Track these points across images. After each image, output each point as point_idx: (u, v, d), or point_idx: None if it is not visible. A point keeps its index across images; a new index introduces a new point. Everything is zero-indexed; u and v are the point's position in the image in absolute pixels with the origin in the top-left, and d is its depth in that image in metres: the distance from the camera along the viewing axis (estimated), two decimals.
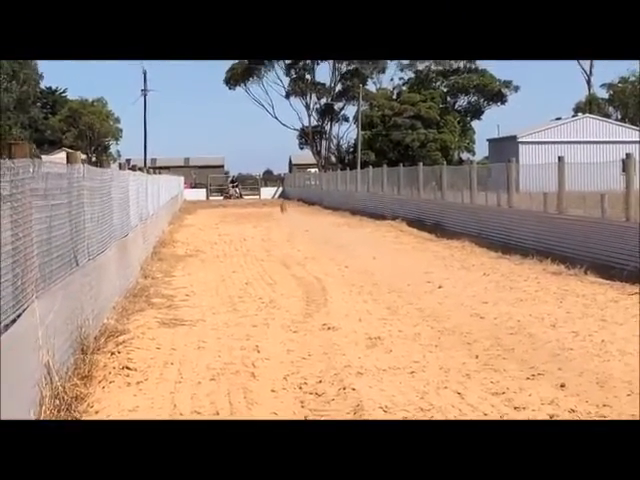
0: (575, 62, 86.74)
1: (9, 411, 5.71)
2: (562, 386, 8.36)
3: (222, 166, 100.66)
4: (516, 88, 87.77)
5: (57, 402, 7.16)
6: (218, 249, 24.85)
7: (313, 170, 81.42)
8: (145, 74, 79.16)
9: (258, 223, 37.22)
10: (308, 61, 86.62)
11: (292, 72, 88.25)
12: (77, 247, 9.69)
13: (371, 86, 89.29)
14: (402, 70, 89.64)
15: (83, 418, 7.25)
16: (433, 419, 7.25)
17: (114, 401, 7.84)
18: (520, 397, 7.95)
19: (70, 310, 8.76)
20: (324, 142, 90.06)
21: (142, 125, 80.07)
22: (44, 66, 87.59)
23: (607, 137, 65.95)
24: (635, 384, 8.29)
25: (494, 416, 7.36)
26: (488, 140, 79.84)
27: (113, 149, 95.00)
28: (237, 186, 79.86)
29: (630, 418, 7.20)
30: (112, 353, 9.68)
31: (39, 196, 7.69)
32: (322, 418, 7.40)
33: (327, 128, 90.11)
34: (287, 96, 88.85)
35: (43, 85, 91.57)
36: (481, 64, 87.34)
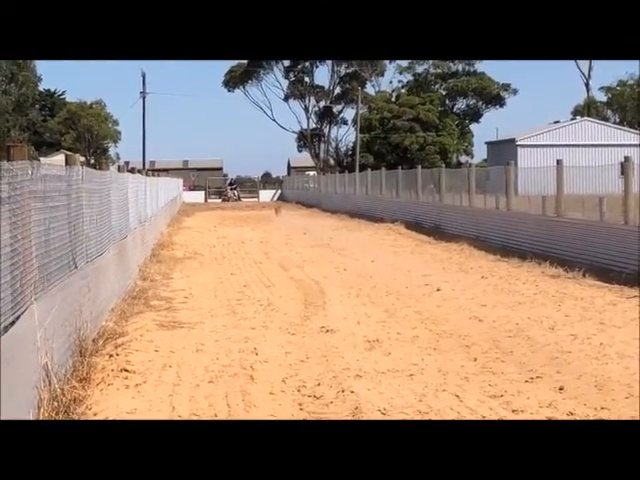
0: (574, 65, 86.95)
1: (7, 413, 5.70)
2: (560, 389, 8.36)
3: (221, 168, 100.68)
4: (515, 91, 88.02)
5: (55, 404, 7.15)
6: (216, 251, 24.86)
7: (312, 173, 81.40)
8: (144, 76, 79.14)
9: (256, 226, 37.24)
10: (307, 64, 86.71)
11: (291, 75, 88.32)
12: (76, 249, 9.69)
13: (370, 89, 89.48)
14: (401, 73, 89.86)
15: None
16: (431, 419, 7.24)
17: (112, 403, 7.83)
18: (518, 400, 7.95)
19: (68, 312, 8.75)
20: (323, 145, 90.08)
21: (141, 127, 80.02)
22: (43, 68, 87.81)
23: (605, 140, 65.96)
24: (634, 387, 8.29)
25: (492, 419, 7.36)
26: (487, 143, 79.87)
27: (112, 151, 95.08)
28: (235, 189, 79.86)
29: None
30: (110, 355, 9.67)
31: (38, 198, 7.69)
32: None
33: (326, 131, 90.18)
34: (286, 99, 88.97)
35: (42, 87, 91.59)
36: (480, 67, 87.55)
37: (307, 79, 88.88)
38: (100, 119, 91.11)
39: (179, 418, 7.36)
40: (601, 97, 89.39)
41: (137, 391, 8.37)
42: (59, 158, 48.62)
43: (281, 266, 20.19)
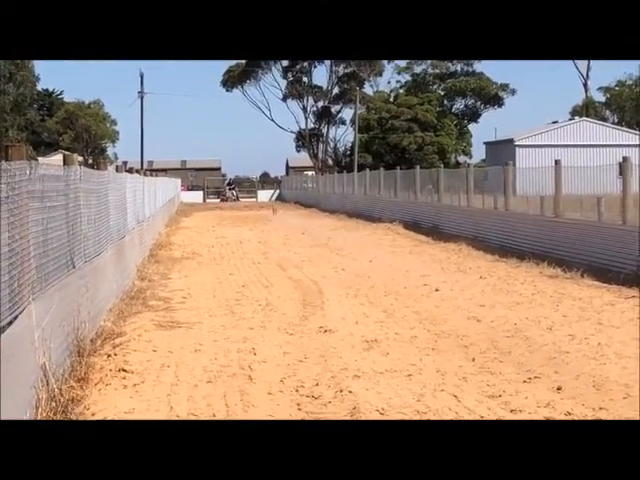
0: (572, 65, 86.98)
1: (5, 413, 5.70)
2: (558, 389, 8.36)
3: (219, 168, 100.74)
4: (513, 91, 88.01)
5: (53, 404, 7.15)
6: (215, 251, 24.85)
7: (310, 173, 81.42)
8: (142, 76, 79.14)
9: (255, 226, 37.24)
10: (305, 64, 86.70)
11: (289, 75, 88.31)
12: (74, 249, 9.68)
13: (368, 89, 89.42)
14: (399, 73, 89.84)
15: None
16: (430, 420, 7.24)
17: (110, 403, 7.83)
18: (516, 400, 7.95)
19: (66, 312, 8.75)
20: (321, 145, 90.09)
21: (139, 127, 79.99)
22: (41, 68, 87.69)
23: (604, 140, 65.94)
24: (632, 387, 8.29)
25: (490, 419, 7.36)
26: (485, 143, 79.87)
27: (110, 151, 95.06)
28: (234, 189, 79.84)
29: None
30: (108, 355, 9.67)
31: (36, 198, 7.69)
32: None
33: (324, 131, 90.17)
34: (284, 99, 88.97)
35: (40, 87, 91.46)
36: (478, 67, 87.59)
37: (305, 79, 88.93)
38: (98, 119, 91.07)
39: (177, 418, 7.36)
40: (599, 97, 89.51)
41: (135, 391, 8.37)
42: (57, 158, 48.62)
43: (279, 266, 20.19)
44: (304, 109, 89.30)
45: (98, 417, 7.36)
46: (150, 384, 8.62)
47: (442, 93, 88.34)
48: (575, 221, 19.42)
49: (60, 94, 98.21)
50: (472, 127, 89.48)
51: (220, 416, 7.46)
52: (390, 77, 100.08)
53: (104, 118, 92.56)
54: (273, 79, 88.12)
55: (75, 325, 9.04)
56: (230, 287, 16.58)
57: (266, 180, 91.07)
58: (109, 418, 7.32)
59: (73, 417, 7.24)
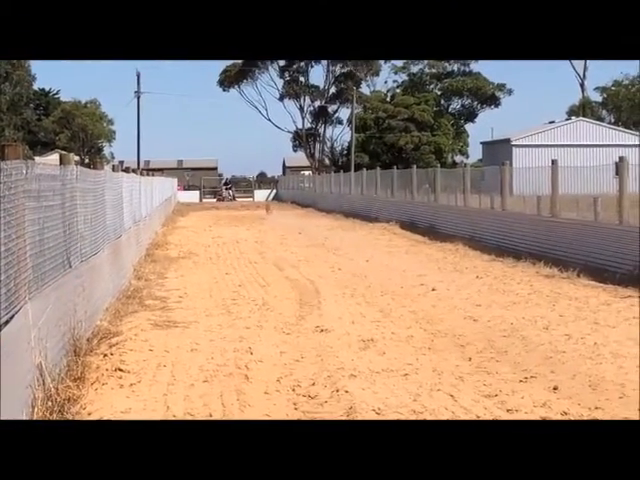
0: (569, 65, 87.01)
1: (1, 412, 5.70)
2: (555, 389, 8.37)
3: (215, 168, 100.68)
4: (510, 91, 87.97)
5: (49, 404, 7.15)
6: (211, 251, 24.84)
7: (307, 172, 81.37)
8: (139, 76, 78.96)
9: (251, 225, 37.23)
10: (302, 63, 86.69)
11: (286, 74, 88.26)
12: (70, 249, 9.68)
13: (365, 89, 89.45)
14: (396, 73, 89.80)
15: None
16: (426, 419, 7.25)
17: (107, 403, 7.83)
18: (513, 400, 7.96)
19: (63, 312, 8.75)
20: (318, 145, 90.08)
21: (136, 127, 79.89)
22: (37, 67, 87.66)
23: (600, 140, 66.00)
24: (627, 387, 8.31)
25: (487, 419, 7.37)
26: (482, 143, 79.86)
27: (106, 151, 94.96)
28: (230, 188, 79.79)
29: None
30: (105, 355, 9.67)
31: (32, 197, 7.68)
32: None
33: (321, 131, 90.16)
34: (281, 98, 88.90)
35: (36, 86, 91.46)
36: (475, 67, 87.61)
37: (302, 79, 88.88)
38: (95, 118, 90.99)
39: (173, 418, 7.36)
40: (596, 97, 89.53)
41: (131, 390, 8.37)
42: (53, 157, 48.49)
43: (276, 266, 20.19)
44: (301, 109, 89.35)
45: (94, 416, 7.36)
46: (146, 383, 8.61)
47: (439, 93, 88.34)
48: (572, 221, 19.44)
49: (56, 93, 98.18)
50: (469, 127, 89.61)
51: (216, 415, 7.46)
52: (387, 77, 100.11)
53: (101, 117, 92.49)
54: (270, 79, 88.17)
55: (71, 324, 9.04)
56: (227, 286, 16.58)
57: (263, 180, 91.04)
58: (105, 418, 7.32)
59: (69, 416, 7.23)
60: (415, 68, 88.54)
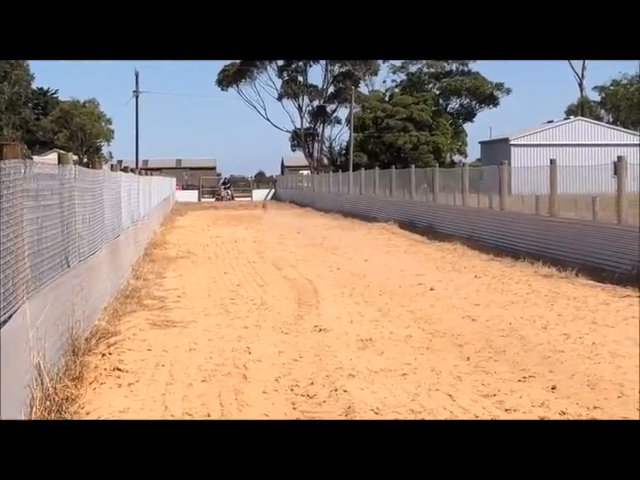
0: (567, 65, 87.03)
1: (0, 412, 5.70)
2: (553, 388, 8.37)
3: (214, 168, 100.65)
4: (508, 90, 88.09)
5: (48, 403, 7.15)
6: (210, 251, 24.84)
7: (305, 172, 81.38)
8: (137, 75, 78.98)
9: (250, 225, 37.23)
10: (300, 63, 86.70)
11: (284, 74, 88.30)
12: (68, 248, 9.68)
13: (363, 88, 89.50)
14: (394, 72, 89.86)
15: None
16: (424, 419, 7.25)
17: (105, 402, 7.83)
18: (511, 399, 7.96)
19: (61, 311, 8.74)
20: (316, 144, 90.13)
21: (134, 126, 79.87)
22: (35, 67, 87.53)
23: (599, 140, 66.08)
24: (626, 386, 8.31)
25: (485, 418, 7.37)
26: (480, 142, 79.97)
27: (105, 150, 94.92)
28: (229, 188, 79.78)
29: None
30: (103, 354, 9.66)
31: (30, 197, 7.68)
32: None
33: (319, 130, 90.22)
34: (279, 98, 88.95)
35: (34, 86, 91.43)
36: (474, 67, 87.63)
37: (301, 78, 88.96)
38: (93, 118, 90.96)
39: (172, 417, 7.36)
40: (595, 97, 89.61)
41: (130, 390, 8.36)
42: (52, 157, 48.54)
43: (274, 265, 20.18)
44: (299, 108, 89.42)
45: (92, 416, 7.36)
46: (145, 383, 8.61)
47: (437, 92, 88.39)
48: (570, 220, 19.44)
49: (55, 93, 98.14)
50: (467, 126, 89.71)
51: (215, 415, 7.46)
52: (385, 76, 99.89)
53: (99, 117, 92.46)
54: (268, 78, 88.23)
55: (70, 324, 9.04)
56: (225, 286, 16.57)
57: (261, 179, 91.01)
58: (103, 417, 7.31)
59: (67, 416, 7.23)
60: (414, 68, 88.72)
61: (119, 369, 9.06)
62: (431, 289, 15.46)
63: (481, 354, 10.02)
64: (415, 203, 33.24)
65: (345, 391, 8.25)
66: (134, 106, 79.04)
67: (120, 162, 35.55)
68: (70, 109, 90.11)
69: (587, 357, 9.75)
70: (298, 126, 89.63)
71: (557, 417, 7.36)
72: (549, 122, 72.69)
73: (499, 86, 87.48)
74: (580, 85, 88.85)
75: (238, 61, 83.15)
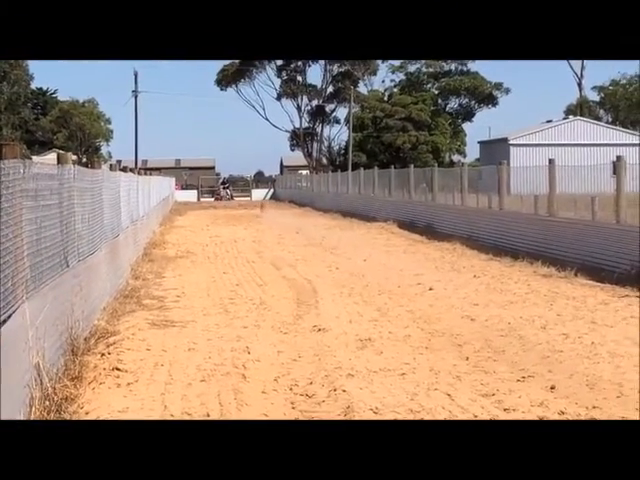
0: (566, 64, 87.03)
1: None
2: (552, 388, 8.37)
3: (213, 167, 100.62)
4: (507, 90, 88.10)
5: (47, 403, 7.15)
6: (209, 250, 24.84)
7: (304, 172, 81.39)
8: (136, 75, 79.01)
9: (249, 225, 37.23)
10: (299, 63, 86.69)
11: (283, 74, 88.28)
12: (67, 248, 9.68)
13: (362, 88, 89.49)
14: (393, 72, 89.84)
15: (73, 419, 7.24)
16: (423, 419, 7.25)
17: (104, 402, 7.83)
18: (510, 399, 7.96)
19: (60, 311, 8.74)
20: (315, 144, 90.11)
21: (133, 126, 79.86)
22: (34, 67, 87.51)
23: (598, 140, 66.09)
24: (625, 386, 8.31)
25: (484, 418, 7.37)
26: (479, 142, 79.96)
27: (104, 150, 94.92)
28: (228, 187, 79.80)
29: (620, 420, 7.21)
30: (102, 354, 9.66)
31: (29, 197, 7.68)
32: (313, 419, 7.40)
33: (318, 130, 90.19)
34: (278, 98, 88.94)
35: (34, 86, 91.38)
36: (472, 66, 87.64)
37: (300, 78, 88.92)
38: (92, 118, 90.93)
39: (171, 417, 7.36)
40: (594, 97, 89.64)
41: (129, 390, 8.36)
42: (51, 157, 48.57)
43: (273, 265, 20.18)
44: (298, 108, 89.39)
45: (92, 416, 7.36)
46: (144, 383, 8.61)
47: (436, 92, 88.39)
48: (569, 220, 19.44)
49: (54, 93, 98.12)
50: (466, 126, 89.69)
51: (214, 415, 7.46)
52: (384, 76, 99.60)
53: (98, 117, 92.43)
54: (267, 78, 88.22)
55: (69, 324, 9.04)
56: (224, 286, 16.57)
57: (260, 179, 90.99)
58: (103, 417, 7.31)
59: (67, 416, 7.23)
60: (412, 67, 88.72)
61: (118, 369, 9.06)
62: (430, 289, 15.46)
63: (480, 354, 10.02)
64: (414, 203, 33.24)
65: (344, 391, 8.25)
66: (133, 106, 79.16)
67: (119, 162, 35.55)
68: (69, 109, 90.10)
69: (586, 357, 9.76)
70: (297, 126, 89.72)
71: (556, 417, 7.36)
72: (548, 122, 72.69)
73: (498, 86, 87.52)
74: (579, 85, 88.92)
75: (237, 61, 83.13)
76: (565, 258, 17.88)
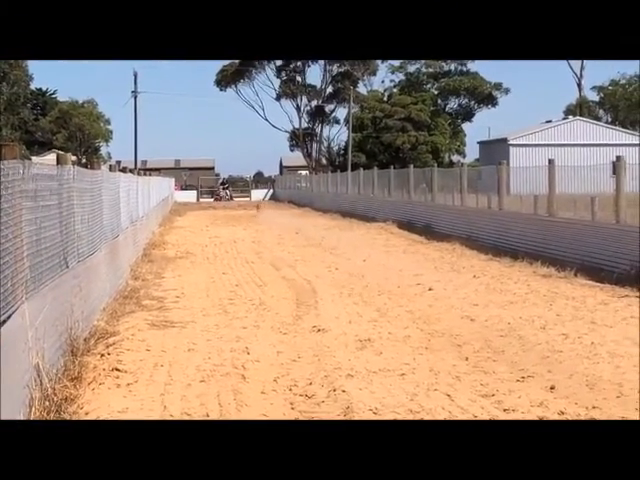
0: (566, 64, 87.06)
1: None
2: (552, 388, 8.37)
3: (213, 168, 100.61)
4: (507, 90, 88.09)
5: (47, 404, 7.14)
6: (208, 251, 24.83)
7: (304, 172, 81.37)
8: (136, 76, 79.01)
9: (248, 225, 37.23)
10: (299, 63, 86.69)
11: (283, 74, 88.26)
12: (67, 248, 9.67)
13: (362, 88, 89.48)
14: (393, 72, 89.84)
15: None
16: (423, 419, 7.25)
17: (104, 403, 7.82)
18: (510, 399, 7.96)
19: (60, 312, 8.74)
20: (315, 144, 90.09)
21: (133, 127, 79.87)
22: (34, 67, 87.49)
23: (597, 140, 66.11)
24: (625, 386, 8.31)
25: (484, 418, 7.37)
26: (479, 142, 79.96)
27: (103, 151, 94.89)
28: (227, 188, 79.80)
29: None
30: (102, 355, 9.66)
31: (29, 197, 7.67)
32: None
33: (318, 130, 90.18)
34: (278, 98, 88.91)
35: (33, 86, 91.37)
36: (472, 66, 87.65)
37: (299, 78, 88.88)
38: (92, 118, 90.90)
39: (171, 417, 7.36)
40: (593, 97, 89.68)
41: (129, 390, 8.36)
42: (51, 157, 48.54)
43: (273, 265, 20.18)
44: (298, 108, 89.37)
45: (91, 416, 7.36)
46: (143, 383, 8.61)
47: (436, 92, 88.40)
48: (569, 220, 19.44)
49: (54, 93, 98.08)
50: (466, 126, 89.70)
51: (213, 415, 7.46)
52: (384, 76, 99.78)
53: (98, 117, 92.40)
54: (267, 78, 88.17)
55: (68, 324, 9.04)
56: (224, 286, 16.57)
57: (260, 179, 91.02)
58: (102, 417, 7.31)
59: (66, 416, 7.23)
60: (412, 68, 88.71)
61: (118, 369, 9.06)
62: (430, 289, 15.46)
63: (480, 354, 10.02)
64: (414, 203, 33.24)
65: (344, 391, 8.25)
66: (133, 106, 79.15)
67: (119, 162, 35.59)
68: (69, 109, 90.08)
69: (586, 357, 9.76)
70: (296, 126, 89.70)
71: (556, 417, 7.36)
72: (548, 122, 72.70)
73: (498, 86, 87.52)
74: (579, 85, 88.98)
75: (237, 61, 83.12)
76: (565, 258, 17.88)
